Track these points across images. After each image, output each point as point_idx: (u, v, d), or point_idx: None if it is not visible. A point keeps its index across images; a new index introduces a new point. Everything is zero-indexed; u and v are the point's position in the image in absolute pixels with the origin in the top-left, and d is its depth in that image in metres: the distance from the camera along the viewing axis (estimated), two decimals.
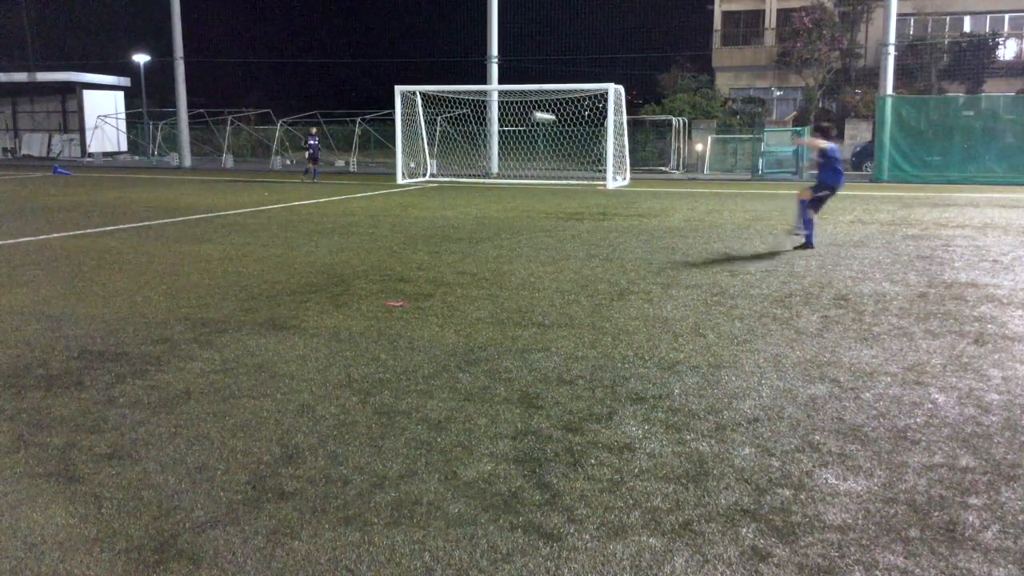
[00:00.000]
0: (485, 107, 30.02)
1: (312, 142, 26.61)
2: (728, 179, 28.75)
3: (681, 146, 32.58)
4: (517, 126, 28.93)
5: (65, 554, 3.28)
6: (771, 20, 44.22)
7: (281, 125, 37.07)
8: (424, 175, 27.87)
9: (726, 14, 45.37)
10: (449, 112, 30.37)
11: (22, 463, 4.15)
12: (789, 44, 40.63)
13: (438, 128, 30.94)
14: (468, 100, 29.62)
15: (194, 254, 10.88)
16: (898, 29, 29.07)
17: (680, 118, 33.03)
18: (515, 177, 27.62)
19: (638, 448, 4.35)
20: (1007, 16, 41.08)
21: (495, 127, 30.09)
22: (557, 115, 27.20)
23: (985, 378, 5.58)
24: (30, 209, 16.94)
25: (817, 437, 4.51)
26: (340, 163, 35.74)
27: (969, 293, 8.44)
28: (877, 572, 3.17)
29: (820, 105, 41.64)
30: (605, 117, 24.46)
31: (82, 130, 38.56)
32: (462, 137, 30.38)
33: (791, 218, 13.40)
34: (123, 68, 44.44)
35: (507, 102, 28.75)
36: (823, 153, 11.48)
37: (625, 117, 26.28)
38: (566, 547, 3.34)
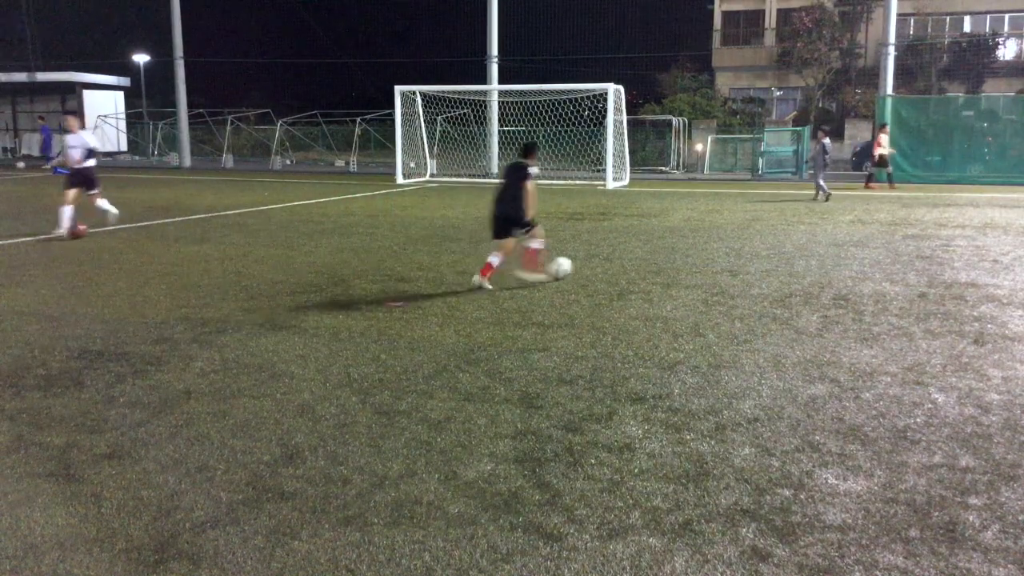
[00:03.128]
0: (485, 107, 30.00)
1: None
2: (728, 179, 28.74)
3: (681, 146, 32.57)
4: (517, 126, 28.92)
5: (65, 554, 3.28)
6: (771, 20, 44.23)
7: (281, 125, 37.07)
8: (424, 175, 27.86)
9: (726, 14, 45.37)
10: (449, 112, 30.34)
11: (22, 463, 4.15)
12: (789, 44, 40.63)
13: (438, 128, 30.93)
14: (468, 100, 29.60)
15: (194, 254, 10.88)
16: (898, 29, 29.06)
17: (680, 118, 33.02)
18: None
19: (638, 448, 4.35)
20: (1007, 16, 41.09)
21: (495, 127, 30.07)
22: (557, 115, 27.18)
23: (985, 378, 5.58)
24: (30, 209, 16.94)
25: (817, 437, 4.51)
26: (340, 163, 35.73)
27: (969, 293, 8.44)
28: (877, 572, 3.17)
29: (820, 105, 41.64)
30: (605, 117, 24.44)
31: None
32: (462, 137, 30.36)
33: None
34: (123, 68, 44.44)
35: (507, 102, 28.73)
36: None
37: (625, 117, 26.26)
38: (566, 547, 3.34)
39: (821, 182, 19.43)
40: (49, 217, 15.28)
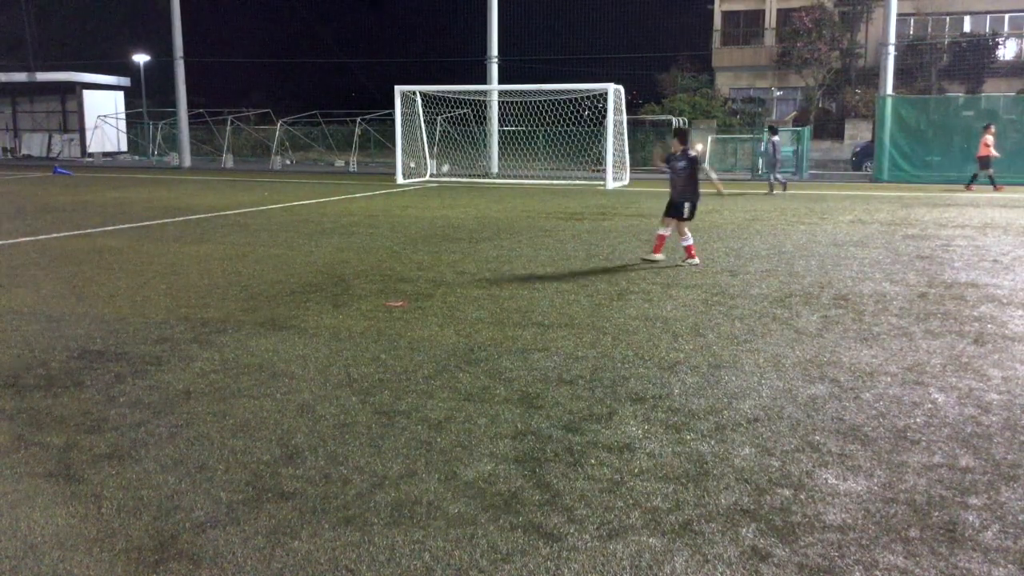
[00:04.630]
0: (485, 107, 30.01)
1: None
2: (728, 179, 28.73)
3: None
4: (517, 126, 28.93)
5: (65, 554, 3.28)
6: (771, 20, 44.23)
7: (281, 125, 37.08)
8: (424, 175, 27.87)
9: (726, 14, 45.38)
10: (449, 112, 30.35)
11: (22, 463, 4.15)
12: (789, 44, 40.64)
13: (438, 128, 30.93)
14: (468, 100, 29.61)
15: (194, 254, 10.88)
16: (898, 29, 29.07)
17: (680, 118, 33.04)
18: (515, 177, 27.61)
19: (638, 448, 4.35)
20: (1007, 16, 41.10)
21: (495, 127, 30.08)
22: (556, 115, 27.18)
23: (985, 378, 5.58)
24: (30, 209, 16.94)
25: (817, 437, 4.51)
26: (340, 163, 35.73)
27: (969, 293, 8.44)
28: (877, 572, 3.17)
29: (820, 105, 41.64)
30: (605, 117, 24.44)
31: (82, 130, 38.54)
32: (462, 137, 30.37)
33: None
34: (123, 68, 44.46)
35: (507, 102, 28.74)
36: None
37: (625, 117, 26.26)
38: (566, 547, 3.34)
39: (776, 177, 22.26)
40: (50, 217, 15.29)
